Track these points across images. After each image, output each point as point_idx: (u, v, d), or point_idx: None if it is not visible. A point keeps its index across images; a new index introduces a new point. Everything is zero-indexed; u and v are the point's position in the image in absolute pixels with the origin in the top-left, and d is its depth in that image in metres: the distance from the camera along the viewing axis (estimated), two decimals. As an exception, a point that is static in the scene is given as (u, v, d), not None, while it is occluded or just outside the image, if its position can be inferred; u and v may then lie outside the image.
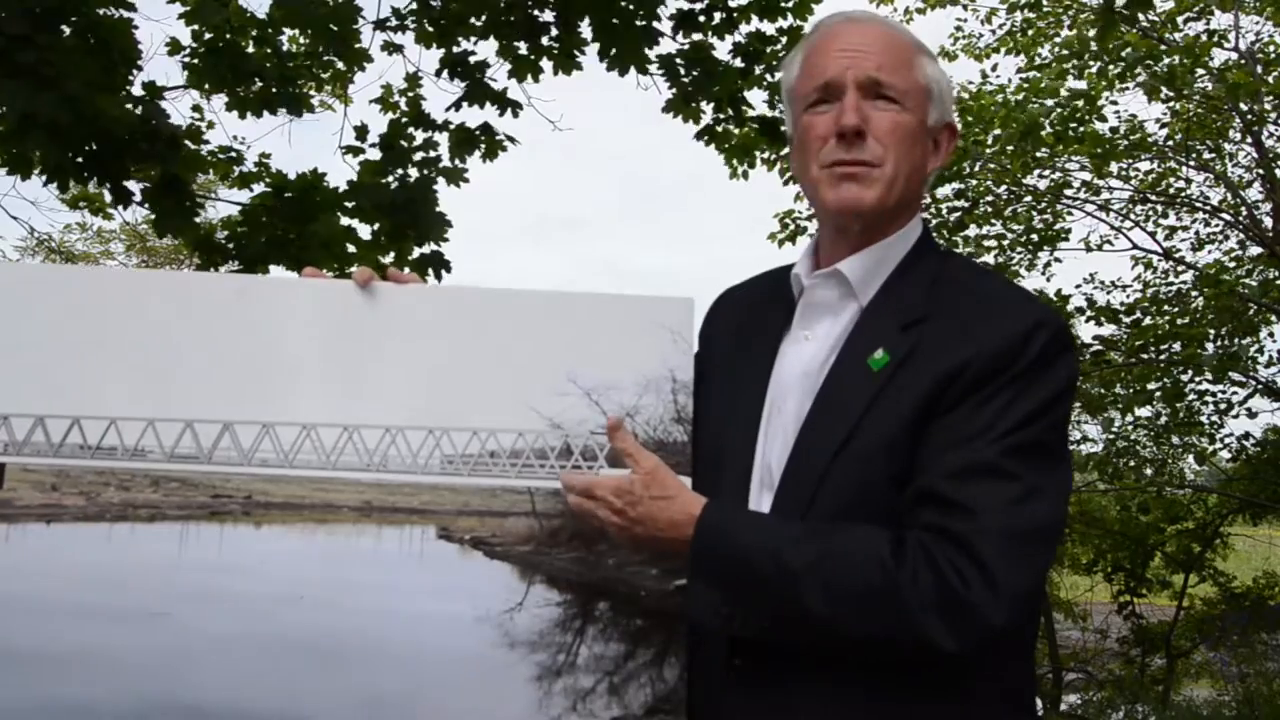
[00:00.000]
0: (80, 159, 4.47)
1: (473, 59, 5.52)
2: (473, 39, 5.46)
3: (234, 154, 5.74)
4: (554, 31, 5.33)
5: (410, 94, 5.81)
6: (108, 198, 6.58)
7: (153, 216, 4.92)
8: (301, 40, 5.52)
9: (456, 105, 5.53)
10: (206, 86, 5.25)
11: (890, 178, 1.47)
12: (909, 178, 1.50)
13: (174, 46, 5.29)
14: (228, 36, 5.14)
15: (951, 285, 1.48)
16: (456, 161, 5.56)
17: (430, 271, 5.24)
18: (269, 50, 5.32)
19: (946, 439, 1.35)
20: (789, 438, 1.45)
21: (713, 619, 1.40)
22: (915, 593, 1.27)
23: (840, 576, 1.30)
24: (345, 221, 5.27)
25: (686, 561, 1.40)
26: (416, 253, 5.25)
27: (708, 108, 5.53)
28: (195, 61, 5.13)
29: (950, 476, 1.32)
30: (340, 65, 5.58)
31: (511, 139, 5.69)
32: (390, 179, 5.33)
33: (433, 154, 5.52)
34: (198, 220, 5.23)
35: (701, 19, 5.37)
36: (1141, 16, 8.71)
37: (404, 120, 5.68)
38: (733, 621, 1.39)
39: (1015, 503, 1.31)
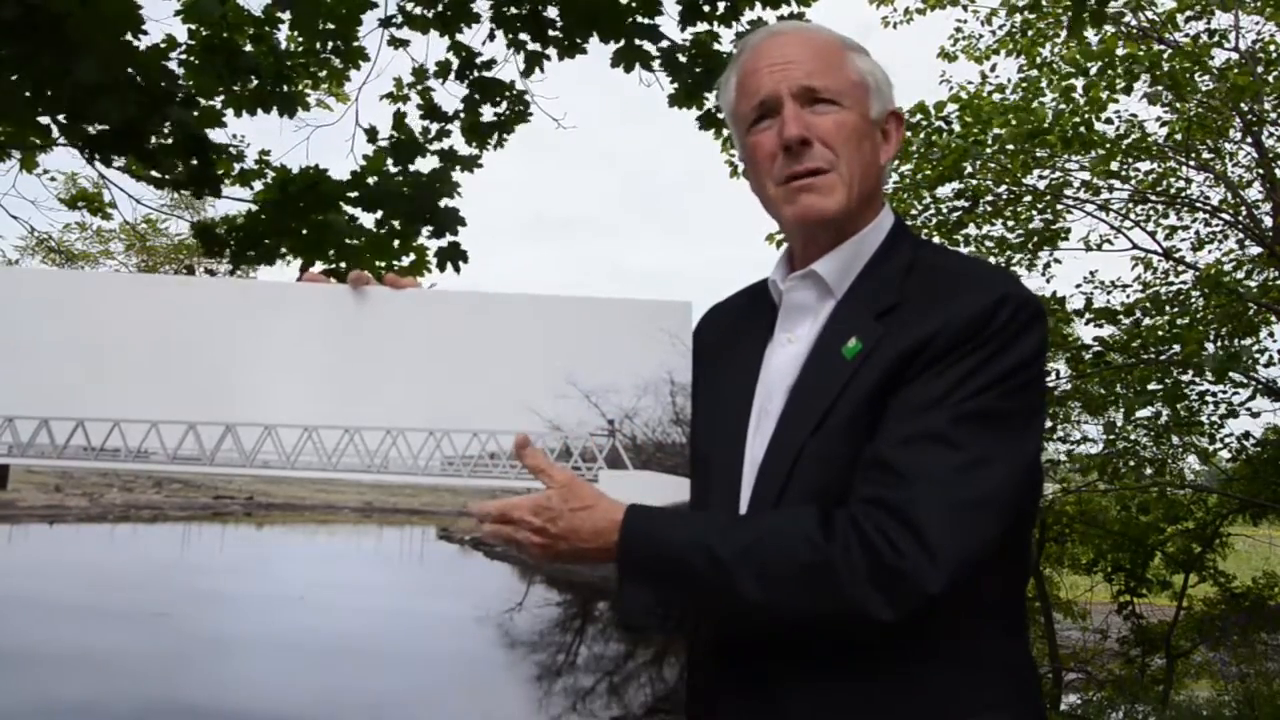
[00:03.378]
0: (103, 130, 4.43)
1: (479, 59, 5.54)
2: (474, 27, 5.46)
3: (233, 152, 5.74)
4: (559, 24, 5.33)
5: (419, 87, 5.82)
6: (111, 194, 6.59)
7: (169, 200, 4.92)
8: (299, 39, 5.52)
9: (468, 107, 5.53)
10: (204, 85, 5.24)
11: (846, 178, 1.48)
12: (864, 174, 1.50)
13: (170, 44, 5.29)
14: (224, 35, 5.14)
15: (924, 271, 1.48)
16: (473, 146, 5.57)
17: (449, 263, 5.25)
18: (266, 48, 5.32)
19: (902, 409, 1.35)
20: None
21: (647, 621, 1.42)
22: (848, 566, 1.27)
23: (772, 559, 1.30)
24: (351, 212, 5.28)
25: (616, 568, 1.39)
26: (435, 245, 5.27)
27: (711, 95, 5.54)
28: (191, 59, 5.13)
29: (897, 443, 1.33)
30: (337, 63, 5.59)
31: (522, 118, 5.68)
32: (399, 172, 5.33)
33: (446, 144, 5.53)
34: (198, 218, 5.23)
35: (706, 8, 5.37)
36: (1142, 16, 8.73)
37: (419, 114, 5.68)
38: (668, 621, 1.41)
39: (958, 470, 1.30)
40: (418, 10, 5.41)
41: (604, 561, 1.41)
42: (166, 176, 4.76)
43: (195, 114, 4.75)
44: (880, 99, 1.54)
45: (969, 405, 1.33)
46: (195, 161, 4.75)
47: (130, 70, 4.31)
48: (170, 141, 4.72)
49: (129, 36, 4.30)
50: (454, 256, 5.25)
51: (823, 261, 1.51)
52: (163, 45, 4.75)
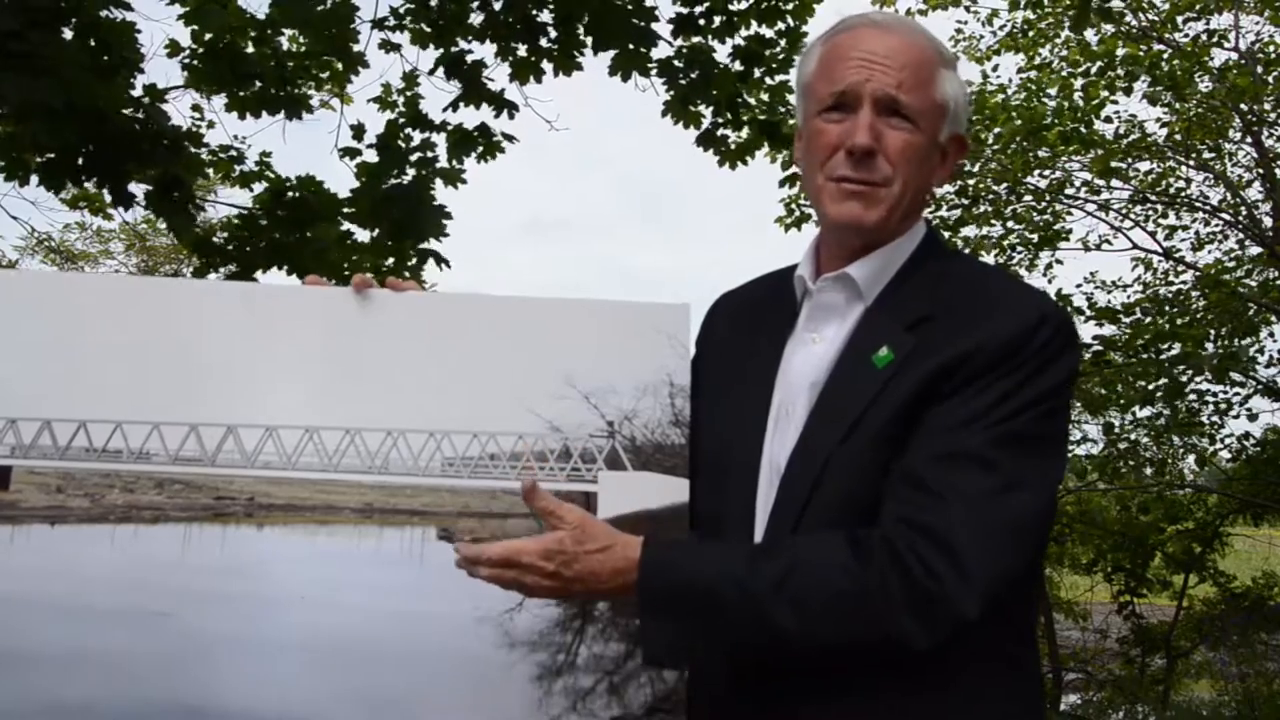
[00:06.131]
0: (79, 160, 4.48)
1: (470, 58, 5.54)
2: (470, 39, 5.47)
3: (234, 153, 5.75)
4: (553, 34, 5.34)
5: (408, 94, 5.83)
6: (108, 198, 6.62)
7: (154, 217, 4.95)
8: (300, 41, 5.53)
9: (454, 106, 5.54)
10: (207, 88, 5.26)
11: (896, 197, 1.45)
12: (914, 195, 1.48)
13: (173, 48, 5.30)
14: (227, 38, 5.15)
15: (957, 284, 1.46)
16: (454, 162, 5.58)
17: (434, 265, 5.28)
18: (268, 51, 5.33)
19: (937, 424, 1.33)
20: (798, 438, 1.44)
21: (671, 657, 1.38)
22: (884, 593, 1.25)
23: (807, 589, 1.28)
24: (345, 226, 5.30)
25: (638, 605, 1.35)
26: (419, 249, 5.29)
27: (707, 111, 5.54)
28: (195, 63, 5.15)
29: (933, 460, 1.31)
30: (339, 65, 5.60)
31: (510, 138, 5.70)
32: (387, 180, 5.35)
33: (430, 154, 5.54)
34: (197, 224, 5.26)
35: (701, 22, 5.38)
36: (1142, 16, 8.73)
37: (401, 120, 5.68)
38: (693, 654, 1.37)
39: (994, 493, 1.28)
40: (414, 24, 5.42)
41: (618, 597, 1.38)
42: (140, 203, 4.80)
43: (182, 158, 4.79)
44: (953, 123, 1.51)
45: (1006, 427, 1.31)
46: (175, 195, 4.79)
47: (121, 110, 4.35)
48: (151, 187, 4.78)
49: (124, 77, 4.35)
50: (436, 260, 5.27)
51: (857, 265, 1.49)
52: (160, 87, 4.78)
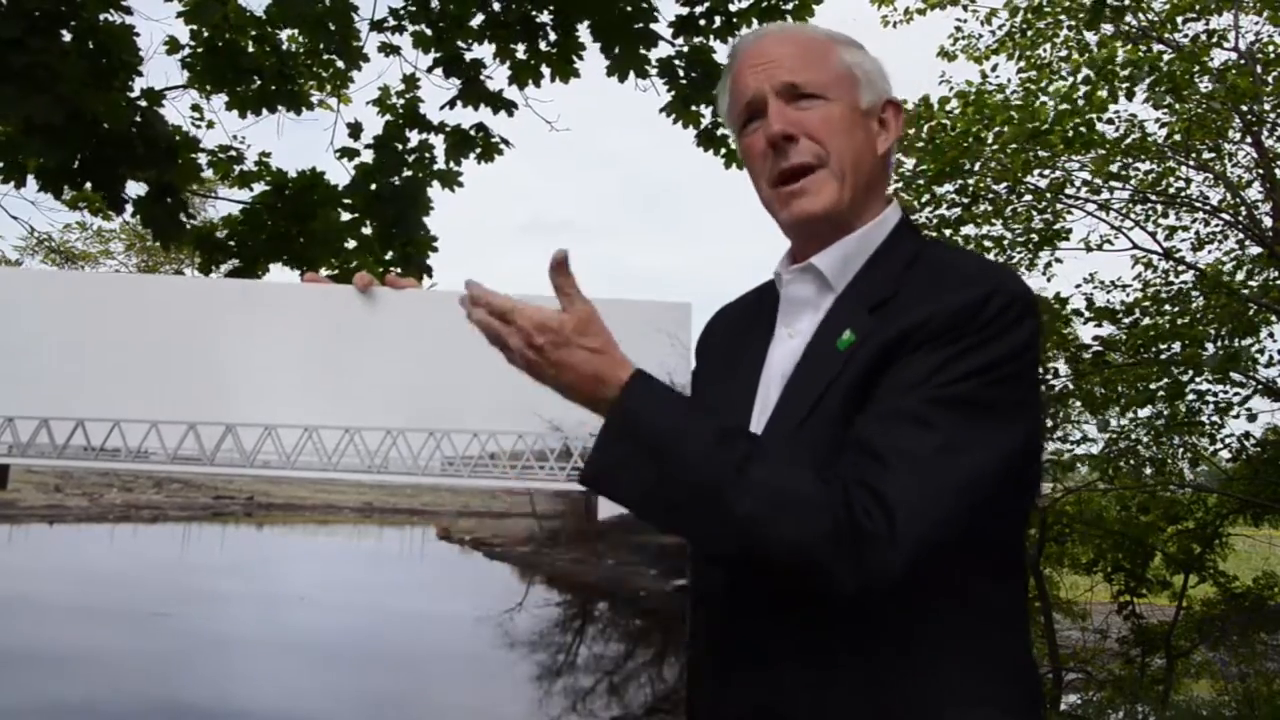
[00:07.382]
0: (76, 165, 4.48)
1: (469, 56, 5.54)
2: (470, 41, 5.48)
3: (234, 153, 5.75)
4: (552, 36, 5.34)
5: (407, 95, 5.83)
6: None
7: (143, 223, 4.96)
8: (300, 39, 5.54)
9: (451, 104, 5.55)
10: (208, 87, 5.26)
11: (839, 171, 1.47)
12: (857, 163, 1.49)
13: (173, 45, 5.30)
14: (227, 35, 5.15)
15: (923, 265, 1.47)
16: (451, 164, 5.59)
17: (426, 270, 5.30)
18: (268, 48, 5.34)
19: (884, 391, 1.34)
20: None
21: (606, 488, 1.34)
22: (835, 518, 1.24)
23: (774, 477, 1.26)
24: (345, 217, 5.31)
25: (604, 423, 1.32)
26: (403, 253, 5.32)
27: (707, 110, 5.54)
28: (194, 61, 5.15)
29: (877, 420, 1.31)
30: (340, 64, 5.60)
31: (506, 142, 5.71)
32: (385, 179, 5.36)
33: (427, 156, 5.54)
34: (195, 222, 5.27)
35: (701, 23, 5.38)
36: (1142, 16, 8.74)
37: (400, 122, 5.69)
38: (632, 491, 1.32)
39: (931, 453, 1.28)
40: (414, 26, 5.43)
41: (584, 405, 1.34)
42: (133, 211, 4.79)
43: (177, 165, 4.79)
44: (872, 89, 1.52)
45: (949, 391, 1.31)
46: (168, 202, 4.79)
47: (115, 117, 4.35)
48: (145, 192, 4.78)
49: (123, 81, 4.35)
50: (418, 273, 5.29)
51: (821, 255, 1.50)
52: (158, 90, 4.78)
